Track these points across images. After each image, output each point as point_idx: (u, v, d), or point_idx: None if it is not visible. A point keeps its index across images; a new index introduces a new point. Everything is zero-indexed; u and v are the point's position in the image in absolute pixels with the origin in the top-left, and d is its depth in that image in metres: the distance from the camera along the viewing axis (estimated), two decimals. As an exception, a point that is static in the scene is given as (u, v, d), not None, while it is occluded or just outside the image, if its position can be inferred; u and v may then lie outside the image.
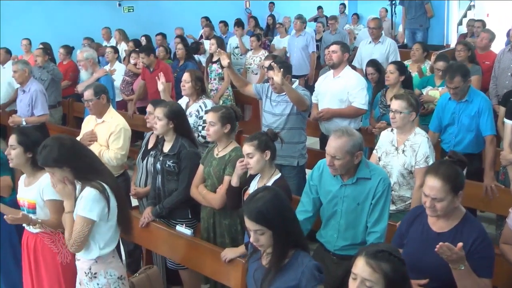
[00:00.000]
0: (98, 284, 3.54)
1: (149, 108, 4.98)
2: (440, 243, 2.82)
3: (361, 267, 2.43)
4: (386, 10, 13.37)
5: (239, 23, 10.91)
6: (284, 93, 5.15)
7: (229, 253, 3.95)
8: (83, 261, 3.56)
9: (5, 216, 3.68)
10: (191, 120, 5.34)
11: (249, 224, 2.76)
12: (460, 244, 2.83)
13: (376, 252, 2.45)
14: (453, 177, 3.07)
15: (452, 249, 2.81)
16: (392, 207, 4.45)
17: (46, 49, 9.01)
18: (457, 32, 13.93)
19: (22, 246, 4.07)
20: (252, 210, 2.74)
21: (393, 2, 12.31)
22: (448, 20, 14.03)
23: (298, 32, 10.24)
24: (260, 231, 2.73)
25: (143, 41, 10.54)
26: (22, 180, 4.05)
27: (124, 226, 3.64)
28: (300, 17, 10.31)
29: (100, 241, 3.49)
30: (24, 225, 3.94)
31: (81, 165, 3.43)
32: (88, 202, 3.37)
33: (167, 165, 4.50)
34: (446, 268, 2.95)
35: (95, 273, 3.53)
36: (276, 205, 2.76)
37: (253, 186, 3.94)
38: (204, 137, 5.20)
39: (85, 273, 3.55)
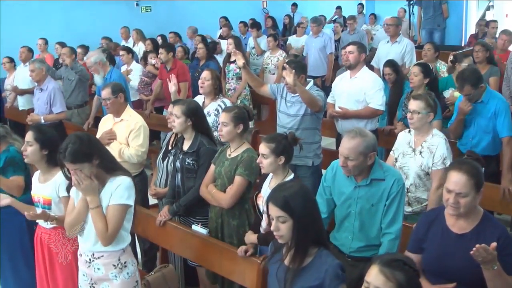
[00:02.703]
0: (128, 274, 3.55)
1: (171, 108, 4.98)
2: (477, 245, 2.79)
3: (374, 275, 2.41)
4: (405, 11, 13.31)
5: (254, 24, 10.90)
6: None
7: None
8: (108, 255, 3.52)
9: (25, 213, 3.71)
10: (210, 119, 5.35)
11: (272, 210, 2.79)
12: (494, 244, 2.81)
13: (391, 261, 2.43)
14: (476, 173, 3.07)
15: (487, 250, 2.78)
16: (408, 209, 4.44)
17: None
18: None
19: (35, 243, 4.09)
20: (278, 196, 2.79)
21: (411, 2, 12.23)
22: (467, 21, 13.93)
23: (315, 34, 10.22)
24: (282, 218, 2.75)
25: (159, 40, 10.57)
26: (36, 176, 4.07)
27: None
28: (315, 21, 10.23)
29: (127, 228, 3.54)
30: (38, 221, 3.98)
31: (106, 156, 3.50)
32: (126, 190, 3.42)
33: (186, 163, 4.51)
34: (470, 270, 2.94)
35: (125, 262, 3.54)
36: (302, 196, 2.79)
37: (265, 188, 3.95)
38: None
39: (114, 265, 3.52)
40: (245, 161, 4.19)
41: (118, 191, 3.41)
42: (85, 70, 8.19)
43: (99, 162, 3.42)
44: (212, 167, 4.44)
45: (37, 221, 3.98)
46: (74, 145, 3.36)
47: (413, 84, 6.06)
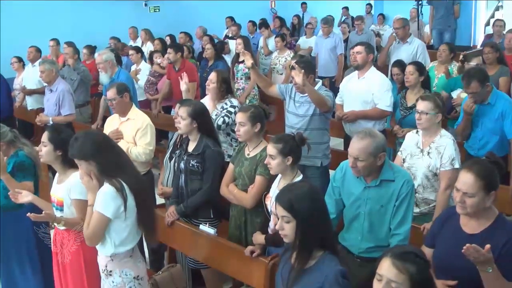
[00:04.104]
0: (113, 282, 3.57)
1: (177, 108, 4.99)
2: (467, 245, 2.78)
3: (386, 268, 2.42)
4: (417, 11, 13.24)
5: (265, 24, 10.87)
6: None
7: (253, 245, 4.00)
8: (101, 257, 3.60)
9: (28, 214, 3.71)
10: (213, 115, 5.42)
11: (278, 210, 2.80)
12: (488, 246, 2.79)
13: (402, 253, 2.43)
14: (487, 175, 3.05)
15: (479, 251, 2.77)
16: (416, 210, 4.41)
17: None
18: (484, 32, 13.75)
19: (53, 244, 4.10)
20: (284, 196, 2.79)
21: (420, 2, 12.18)
22: (476, 21, 13.87)
23: (326, 34, 10.19)
24: (286, 218, 2.75)
25: (168, 40, 10.59)
26: (56, 176, 4.08)
27: (147, 227, 3.64)
28: (326, 22, 10.19)
29: (116, 239, 3.50)
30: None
31: (106, 161, 3.46)
32: (105, 199, 3.40)
33: (190, 165, 4.50)
34: (476, 270, 2.91)
35: (110, 271, 3.56)
36: (309, 198, 2.78)
37: (274, 189, 3.95)
38: (224, 122, 5.37)
39: (102, 269, 3.60)
40: (264, 160, 4.16)
41: (98, 197, 3.42)
42: (87, 71, 8.21)
43: (96, 164, 3.43)
44: (231, 166, 4.46)
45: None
46: (76, 141, 3.43)
47: (409, 83, 6.09)
